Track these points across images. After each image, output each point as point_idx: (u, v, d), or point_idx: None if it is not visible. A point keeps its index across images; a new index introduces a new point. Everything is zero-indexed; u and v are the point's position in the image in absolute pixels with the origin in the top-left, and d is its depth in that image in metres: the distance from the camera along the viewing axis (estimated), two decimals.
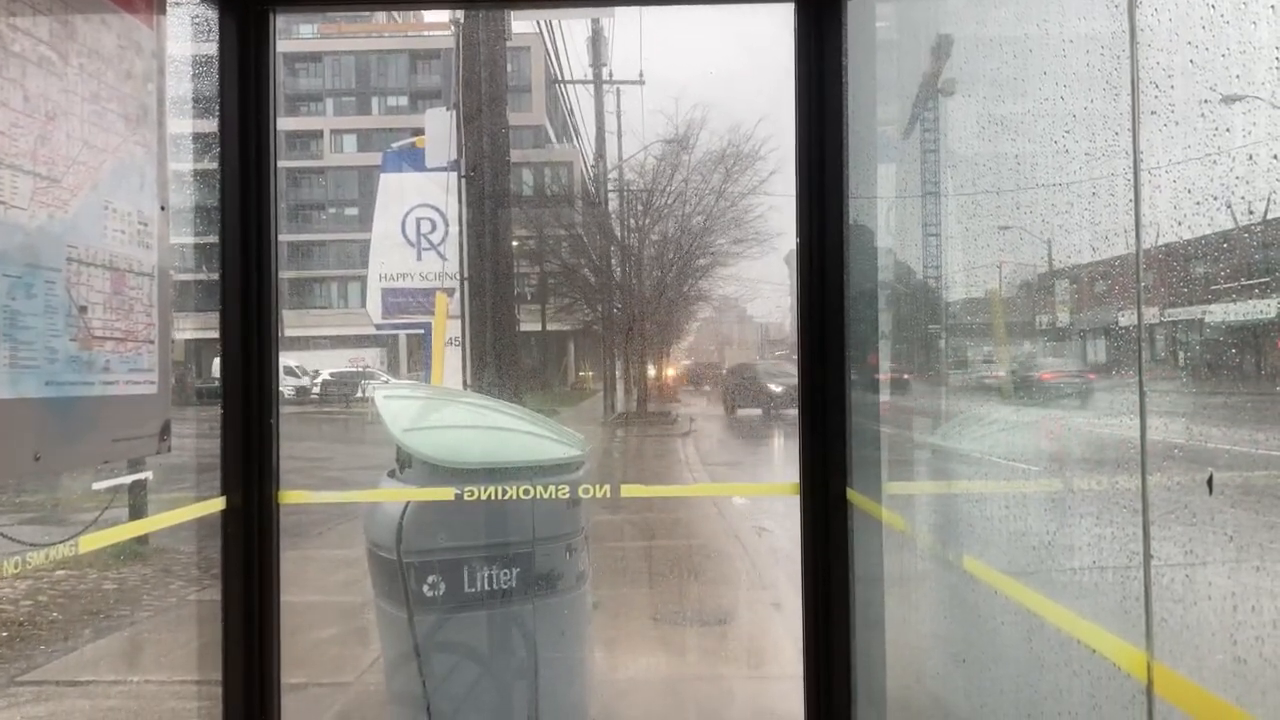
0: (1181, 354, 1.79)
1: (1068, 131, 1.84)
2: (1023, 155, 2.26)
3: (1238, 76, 1.26)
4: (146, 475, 2.86)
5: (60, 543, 2.39)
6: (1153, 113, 1.37)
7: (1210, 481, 1.29)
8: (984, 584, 2.22)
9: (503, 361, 10.06)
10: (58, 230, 2.35)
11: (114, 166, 2.58)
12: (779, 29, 3.58)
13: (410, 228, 9.97)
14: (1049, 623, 1.91)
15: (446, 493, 3.99)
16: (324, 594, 8.38)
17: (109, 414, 2.58)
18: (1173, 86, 1.35)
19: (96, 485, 2.68)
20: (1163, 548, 1.38)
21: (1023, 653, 2.05)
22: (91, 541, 2.51)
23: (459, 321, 9.93)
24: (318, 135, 62.00)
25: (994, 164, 2.48)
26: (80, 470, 2.58)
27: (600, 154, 26.86)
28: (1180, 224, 1.38)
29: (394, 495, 4.37)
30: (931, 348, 3.24)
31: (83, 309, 2.45)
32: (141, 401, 2.74)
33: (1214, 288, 1.60)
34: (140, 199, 2.72)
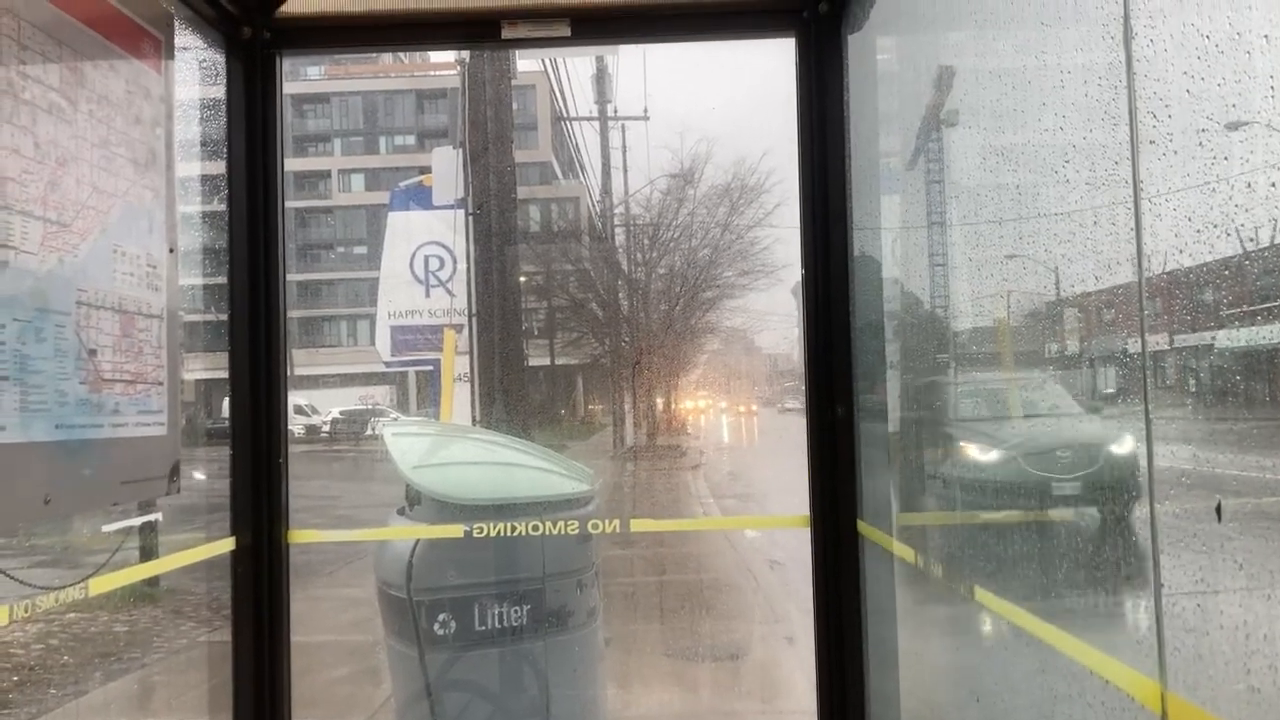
0: (1190, 380, 1.79)
1: (1068, 161, 1.85)
2: (1024, 185, 2.27)
3: (1234, 105, 1.27)
4: (156, 517, 2.86)
5: (70, 585, 2.39)
6: (1151, 142, 1.38)
7: (1219, 509, 1.29)
8: (996, 615, 2.21)
9: (511, 397, 10.07)
10: (67, 274, 2.37)
11: (123, 210, 2.60)
12: (781, 62, 3.62)
13: (419, 265, 10.03)
14: (1061, 654, 1.89)
15: (455, 530, 3.98)
16: (335, 633, 8.35)
17: (119, 456, 2.58)
18: (1170, 116, 1.36)
19: (106, 528, 2.68)
20: (1173, 576, 1.37)
21: (1036, 684, 2.04)
22: (101, 584, 2.51)
23: (467, 358, 9.96)
24: (326, 175, 62.55)
25: (996, 194, 2.49)
26: (90, 512, 2.59)
27: (606, 189, 27.04)
28: (1182, 251, 1.38)
29: (403, 533, 4.37)
30: (940, 377, 3.24)
31: (92, 352, 2.46)
32: (151, 443, 2.74)
33: (1222, 313, 1.60)
34: (149, 242, 2.75)
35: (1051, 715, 1.96)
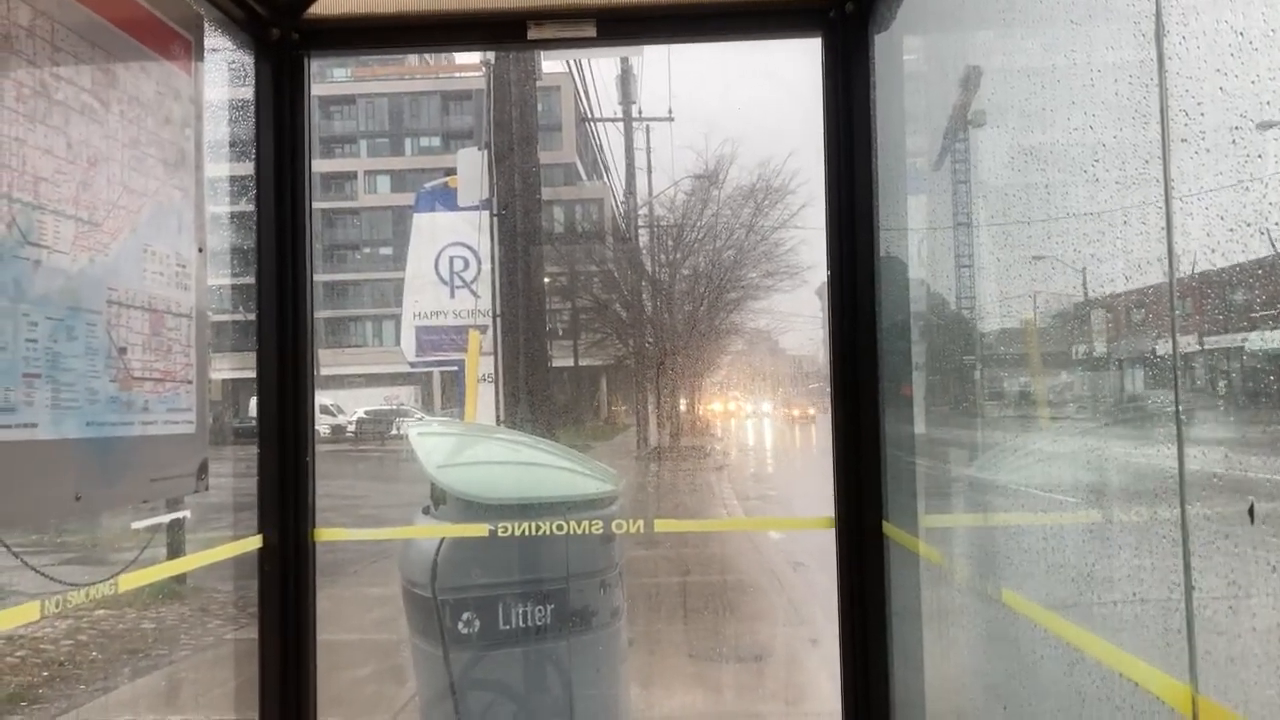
0: (1221, 382, 1.77)
1: (1097, 160, 1.83)
2: (1053, 184, 2.25)
3: (1268, 103, 1.25)
4: (185, 514, 2.88)
5: (100, 582, 2.41)
6: (1183, 140, 1.37)
7: (1252, 511, 1.27)
8: (1023, 617, 2.19)
9: (535, 397, 10.09)
10: (98, 273, 2.39)
11: (153, 210, 2.63)
12: (807, 62, 3.60)
13: (443, 266, 10.08)
14: (1090, 657, 1.88)
15: (480, 529, 3.99)
16: (360, 632, 8.39)
17: (148, 454, 2.61)
18: (1203, 114, 1.35)
19: (135, 525, 2.71)
20: (1204, 579, 1.36)
21: (1064, 687, 2.02)
22: (130, 581, 2.53)
23: (492, 358, 9.99)
24: (352, 176, 62.87)
25: (1025, 194, 2.47)
26: (119, 510, 2.61)
27: (630, 190, 27.00)
28: (1214, 251, 1.37)
29: (428, 532, 4.38)
30: (966, 378, 3.21)
31: (122, 350, 2.49)
32: (180, 441, 2.77)
33: (1254, 314, 1.58)
34: (178, 241, 2.77)
35: (1080, 718, 1.94)
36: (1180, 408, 1.41)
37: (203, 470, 2.88)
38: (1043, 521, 2.32)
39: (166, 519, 2.82)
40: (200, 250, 2.91)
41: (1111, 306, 2.21)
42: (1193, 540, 1.38)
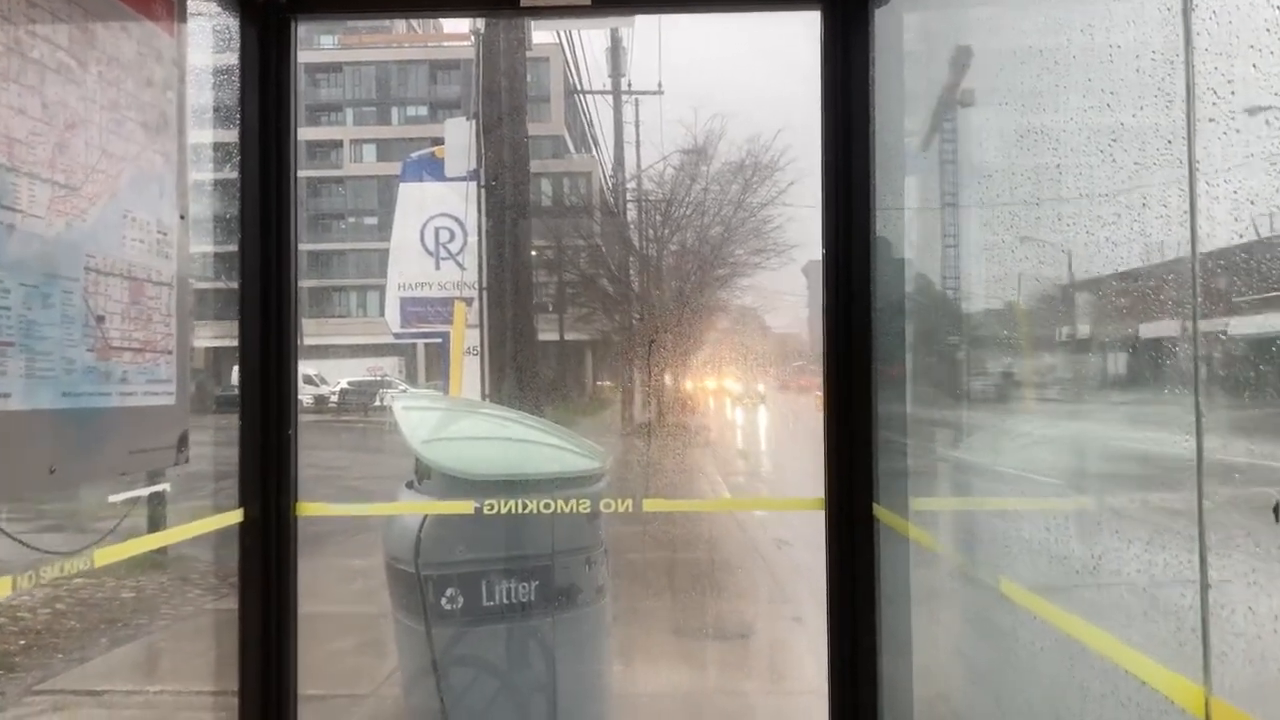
0: (1248, 371, 1.73)
1: (1114, 140, 1.77)
2: (1065, 165, 2.20)
3: None
4: (164, 487, 2.82)
5: (73, 555, 2.35)
6: (1211, 120, 1.31)
7: (1277, 509, 1.23)
8: (1020, 607, 2.15)
9: (521, 371, 10.02)
10: (75, 239, 2.31)
11: (133, 175, 2.55)
12: (801, 39, 3.54)
13: (429, 237, 9.99)
14: (1092, 650, 1.84)
15: (466, 506, 3.95)
16: (342, 604, 8.34)
17: (126, 425, 2.54)
18: (1233, 93, 1.29)
19: (113, 498, 2.64)
20: (1222, 576, 1.31)
21: (1063, 679, 1.98)
22: (107, 555, 2.47)
23: (477, 331, 9.91)
24: (338, 145, 62.32)
25: (1034, 175, 2.42)
26: (97, 482, 2.54)
27: (619, 164, 26.84)
28: (1241, 236, 1.32)
29: (412, 508, 4.34)
30: (960, 359, 3.18)
31: (100, 319, 2.41)
32: (159, 413, 2.70)
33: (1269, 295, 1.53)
34: (160, 208, 2.69)
35: (1081, 716, 1.90)
36: (1200, 396, 1.37)
37: (183, 442, 2.81)
38: (1042, 507, 2.28)
39: (145, 492, 2.76)
40: (182, 217, 2.83)
41: (1126, 290, 2.17)
42: (1209, 535, 1.33)
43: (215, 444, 3.59)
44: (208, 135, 3.54)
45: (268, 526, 3.27)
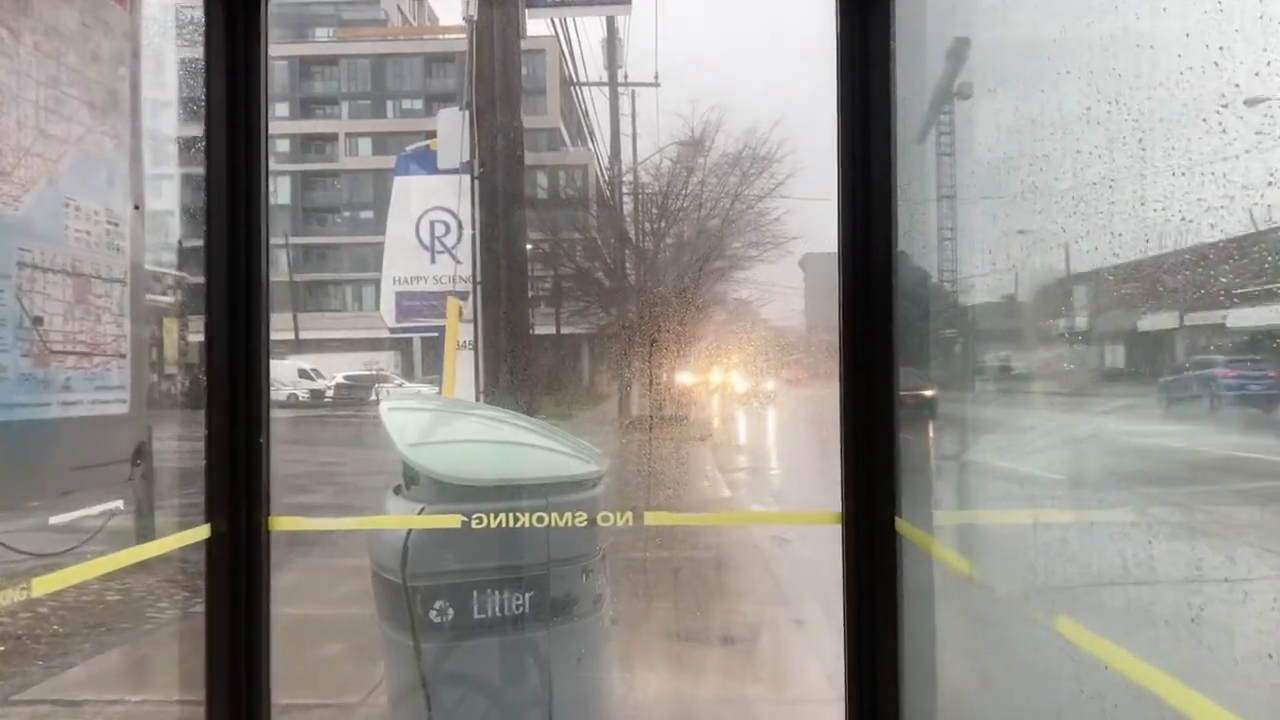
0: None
1: (1143, 131, 1.58)
2: (1085, 153, 1.99)
3: None
4: (116, 505, 2.56)
5: (9, 587, 2.09)
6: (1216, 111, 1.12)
7: None
8: (1071, 644, 1.90)
9: (516, 366, 9.83)
10: (4, 230, 2.06)
11: (76, 159, 2.29)
12: (801, 30, 3.32)
13: (424, 231, 9.96)
14: (1150, 692, 1.60)
15: (452, 520, 3.72)
16: (330, 607, 8.11)
17: (70, 438, 2.29)
18: (1237, 85, 1.11)
19: (54, 520, 2.38)
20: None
21: None
22: (47, 584, 2.21)
23: (472, 325, 9.81)
24: (333, 138, 62.12)
25: (1059, 162, 2.20)
26: (31, 505, 2.29)
27: (615, 156, 26.62)
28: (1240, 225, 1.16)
29: (394, 523, 4.10)
30: (992, 360, 2.95)
31: (38, 320, 2.16)
32: (110, 423, 2.45)
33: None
34: (109, 196, 2.44)
35: None
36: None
37: (139, 455, 2.56)
38: (1089, 520, 2.03)
39: (94, 510, 2.50)
40: (137, 207, 2.57)
41: (1150, 286, 1.96)
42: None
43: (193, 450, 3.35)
44: (174, 124, 3.29)
45: (237, 542, 3.02)
